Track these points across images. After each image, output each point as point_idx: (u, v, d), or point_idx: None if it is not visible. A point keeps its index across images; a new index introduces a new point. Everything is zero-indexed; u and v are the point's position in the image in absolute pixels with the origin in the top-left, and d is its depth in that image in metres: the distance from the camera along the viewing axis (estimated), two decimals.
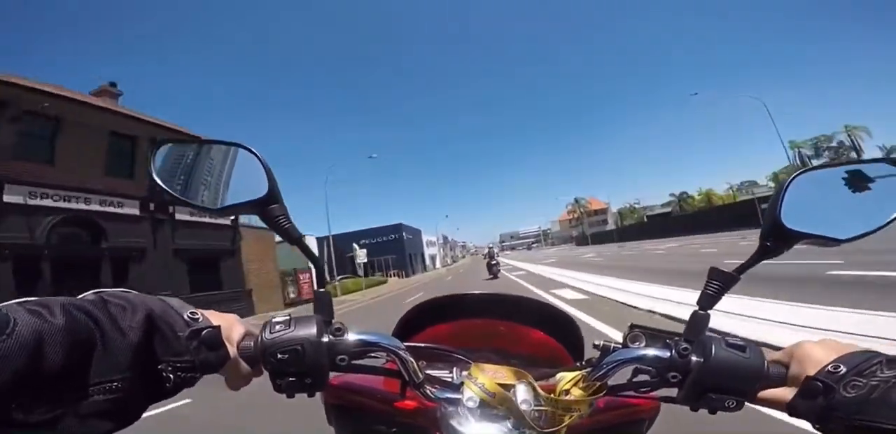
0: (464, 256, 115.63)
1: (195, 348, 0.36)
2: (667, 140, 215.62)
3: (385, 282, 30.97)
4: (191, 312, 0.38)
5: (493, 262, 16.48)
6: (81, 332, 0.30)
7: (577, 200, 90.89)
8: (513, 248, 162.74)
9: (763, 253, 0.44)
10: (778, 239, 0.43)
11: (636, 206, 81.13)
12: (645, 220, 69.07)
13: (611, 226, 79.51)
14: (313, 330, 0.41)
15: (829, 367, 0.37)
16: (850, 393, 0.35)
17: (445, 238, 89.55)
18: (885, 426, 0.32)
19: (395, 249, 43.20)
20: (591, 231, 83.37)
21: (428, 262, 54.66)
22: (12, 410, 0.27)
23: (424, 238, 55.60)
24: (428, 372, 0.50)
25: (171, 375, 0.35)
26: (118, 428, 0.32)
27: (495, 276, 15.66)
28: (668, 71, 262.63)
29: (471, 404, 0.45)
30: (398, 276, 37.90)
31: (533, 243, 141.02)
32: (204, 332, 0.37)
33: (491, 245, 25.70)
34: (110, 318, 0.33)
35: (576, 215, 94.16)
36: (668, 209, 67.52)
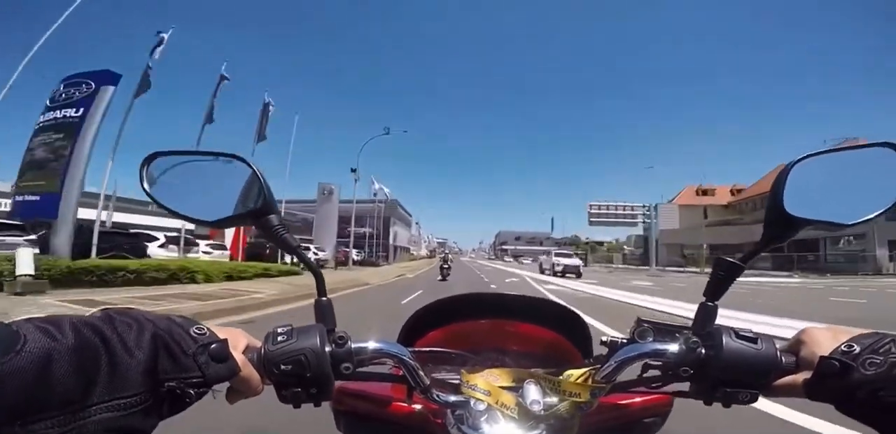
0: (431, 255, 78.08)
1: (204, 363, 0.36)
2: None
3: None
4: (196, 328, 0.38)
5: (446, 265, 17.20)
6: (90, 351, 0.30)
7: None
8: (515, 256, 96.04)
9: (768, 240, 0.44)
10: (782, 226, 0.43)
11: None
12: None
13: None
14: (316, 339, 0.41)
15: (842, 346, 0.37)
16: (869, 370, 0.34)
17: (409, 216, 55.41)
18: None
19: None
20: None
21: None
22: (18, 428, 0.26)
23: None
24: (434, 376, 0.51)
25: (182, 392, 0.35)
26: None
27: (444, 279, 16.22)
28: None
29: (479, 407, 0.45)
30: None
31: (581, 254, 41.80)
32: (212, 347, 0.37)
33: (446, 251, 24.15)
34: (118, 337, 0.32)
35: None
36: None
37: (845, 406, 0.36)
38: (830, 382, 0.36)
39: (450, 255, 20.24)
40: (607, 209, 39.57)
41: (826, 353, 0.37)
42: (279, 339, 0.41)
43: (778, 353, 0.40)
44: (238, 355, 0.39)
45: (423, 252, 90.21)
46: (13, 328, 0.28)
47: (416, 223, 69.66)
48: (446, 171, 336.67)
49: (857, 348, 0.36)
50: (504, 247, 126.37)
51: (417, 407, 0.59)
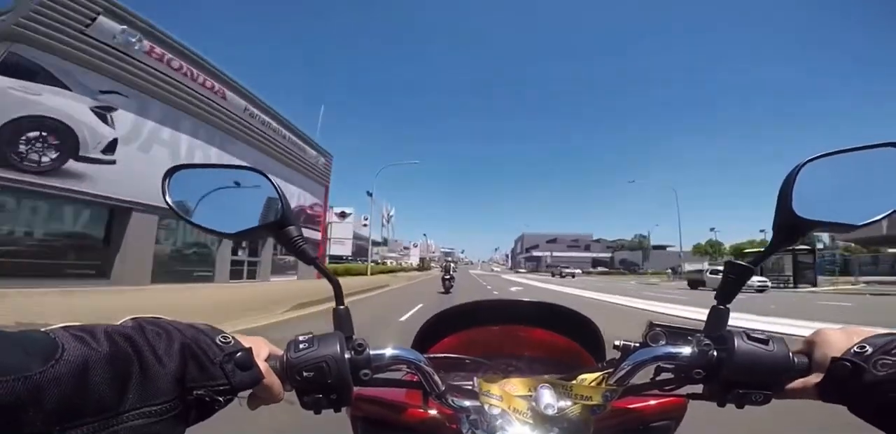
0: (422, 267, 62.48)
1: (230, 371, 0.37)
2: None
3: None
4: (222, 337, 0.39)
5: (448, 276, 15.39)
6: (123, 360, 0.31)
7: None
8: (560, 271, 53.98)
9: (777, 243, 0.44)
10: (791, 228, 0.43)
11: None
12: None
13: None
14: (336, 347, 0.42)
15: (854, 347, 0.37)
16: (881, 371, 0.34)
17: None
18: None
19: None
20: None
21: None
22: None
23: None
24: (449, 381, 0.51)
25: (210, 399, 0.36)
26: None
27: (447, 292, 14.59)
28: None
29: (494, 412, 0.46)
30: None
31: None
32: (237, 355, 0.38)
33: (448, 259, 20.61)
34: (149, 346, 0.34)
35: None
36: None
37: (858, 408, 0.36)
38: (842, 384, 0.36)
39: (453, 265, 17.05)
40: None
41: (838, 355, 0.37)
42: (301, 346, 0.42)
43: (790, 354, 0.41)
44: (261, 363, 0.41)
45: (412, 261, 68.56)
46: (51, 336, 0.29)
47: (387, 203, 46.85)
48: (448, 177, 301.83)
49: (868, 349, 0.36)
50: (534, 253, 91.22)
51: (432, 412, 0.60)
